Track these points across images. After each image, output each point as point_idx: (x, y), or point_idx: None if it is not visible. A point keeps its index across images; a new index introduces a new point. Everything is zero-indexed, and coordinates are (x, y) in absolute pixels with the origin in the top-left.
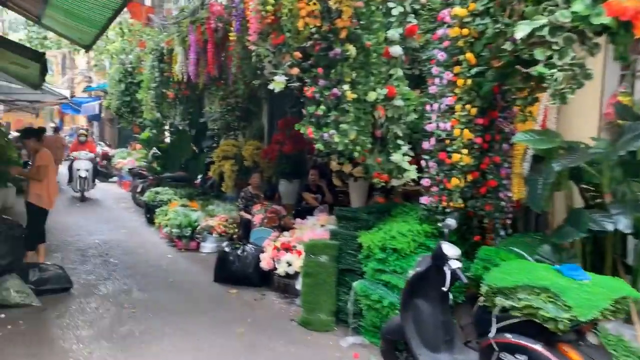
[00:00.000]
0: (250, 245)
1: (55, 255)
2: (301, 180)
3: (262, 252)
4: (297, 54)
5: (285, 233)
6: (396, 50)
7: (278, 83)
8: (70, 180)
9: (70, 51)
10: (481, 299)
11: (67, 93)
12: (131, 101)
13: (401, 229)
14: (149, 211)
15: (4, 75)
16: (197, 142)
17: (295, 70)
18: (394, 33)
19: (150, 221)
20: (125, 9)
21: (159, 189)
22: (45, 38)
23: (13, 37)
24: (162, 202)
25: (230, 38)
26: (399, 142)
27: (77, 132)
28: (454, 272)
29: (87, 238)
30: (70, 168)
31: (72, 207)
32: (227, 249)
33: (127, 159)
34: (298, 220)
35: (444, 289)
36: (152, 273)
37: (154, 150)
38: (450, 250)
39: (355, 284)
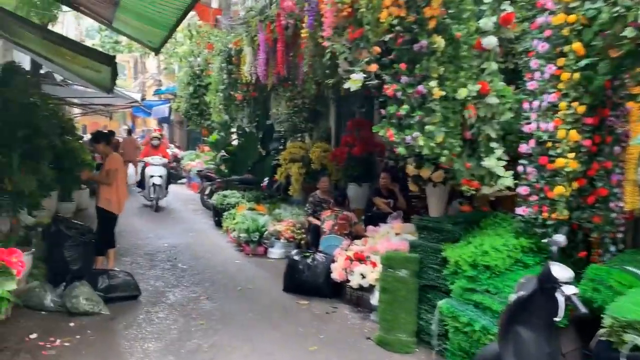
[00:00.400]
0: (321, 254)
1: (124, 259)
2: (371, 184)
3: (333, 261)
4: (376, 49)
5: (357, 241)
6: (490, 41)
7: (355, 81)
8: (142, 186)
9: (141, 55)
10: (603, 331)
11: (137, 96)
12: (199, 104)
13: (494, 243)
14: (217, 214)
15: (79, 80)
16: (264, 144)
17: (374, 67)
18: (486, 22)
19: (218, 224)
20: (193, 12)
21: (226, 192)
22: (117, 42)
23: (88, 43)
24: (230, 206)
25: (302, 35)
26: (492, 145)
27: (148, 134)
28: (568, 299)
29: (156, 242)
30: (142, 174)
31: (142, 208)
32: (296, 258)
33: (196, 161)
34: (369, 227)
35: (557, 318)
36: (220, 280)
37: (222, 152)
38: (561, 272)
39: (440, 303)
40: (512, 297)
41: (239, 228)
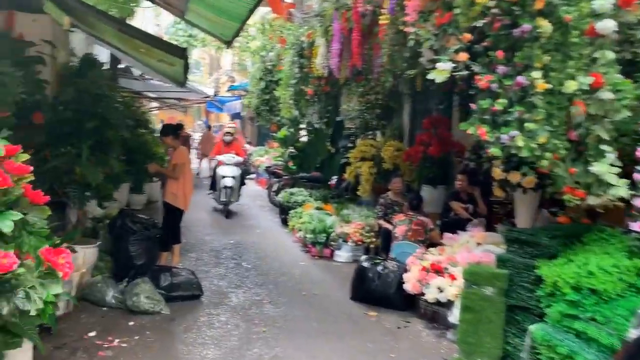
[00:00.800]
0: (392, 262)
1: (190, 255)
2: (446, 186)
3: (406, 270)
4: (467, 36)
5: (432, 249)
6: (606, 25)
7: (441, 72)
8: (213, 188)
9: (216, 51)
10: None
11: (210, 91)
12: (270, 99)
13: (602, 263)
14: (283, 212)
15: (154, 74)
16: (333, 141)
17: (464, 56)
18: (603, 3)
19: (284, 222)
20: (266, 4)
21: (293, 189)
22: (190, 36)
23: (165, 38)
24: (297, 204)
25: (380, 22)
26: (603, 147)
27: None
28: None
29: (222, 238)
30: (213, 174)
31: (209, 202)
32: (366, 265)
33: (265, 156)
34: (447, 234)
35: None
36: (284, 282)
37: (290, 149)
38: None
39: (532, 328)
40: (633, 333)
41: (305, 228)
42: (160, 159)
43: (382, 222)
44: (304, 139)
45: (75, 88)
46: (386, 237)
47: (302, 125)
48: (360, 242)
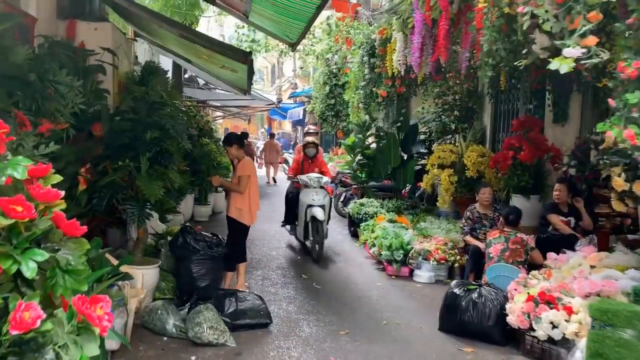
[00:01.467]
0: (489, 288)
1: (255, 273)
2: (540, 196)
3: (507, 299)
4: (594, 15)
5: (535, 273)
6: None
7: (566, 60)
8: (289, 220)
9: (278, 58)
10: None
11: (274, 98)
12: (335, 104)
13: None
14: (353, 224)
15: (218, 82)
16: (405, 147)
17: (593, 40)
18: None
19: (354, 235)
20: (330, 6)
21: (363, 200)
22: (253, 41)
23: None
24: (367, 216)
25: (479, 6)
26: None
27: (282, 136)
28: None
29: (289, 253)
30: (288, 200)
31: (274, 212)
32: (457, 291)
33: (329, 164)
34: (550, 255)
35: None
36: (360, 308)
37: (359, 156)
38: None
39: None
40: None
41: (379, 244)
42: (225, 169)
43: (469, 238)
44: (374, 145)
45: (133, 96)
46: (475, 257)
47: (370, 131)
48: (443, 261)
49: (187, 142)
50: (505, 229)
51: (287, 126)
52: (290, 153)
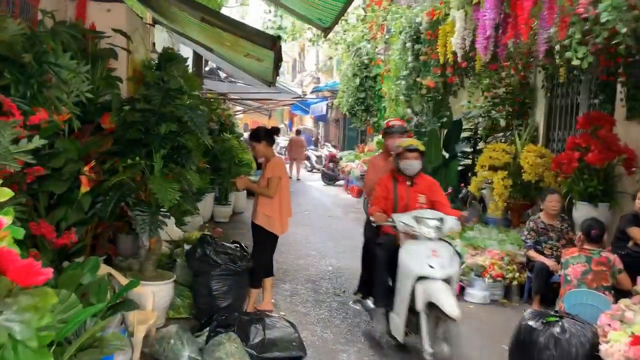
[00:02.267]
0: (573, 321)
1: (283, 287)
2: (610, 205)
3: (596, 335)
4: None
5: (629, 303)
6: None
7: None
8: (368, 290)
9: (299, 54)
10: None
11: (299, 91)
12: (366, 98)
13: None
14: None
15: (242, 75)
16: (447, 145)
17: None
18: None
19: None
20: None
21: None
22: (280, 28)
23: None
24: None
25: None
26: None
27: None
28: None
29: (319, 262)
30: (368, 257)
31: (299, 213)
32: (532, 324)
33: (355, 162)
34: None
35: None
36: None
37: None
38: None
39: None
40: None
41: None
42: (247, 166)
43: (534, 254)
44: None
45: (145, 82)
46: (542, 276)
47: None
48: (499, 278)
49: (208, 137)
50: (585, 247)
51: (308, 122)
52: (312, 149)
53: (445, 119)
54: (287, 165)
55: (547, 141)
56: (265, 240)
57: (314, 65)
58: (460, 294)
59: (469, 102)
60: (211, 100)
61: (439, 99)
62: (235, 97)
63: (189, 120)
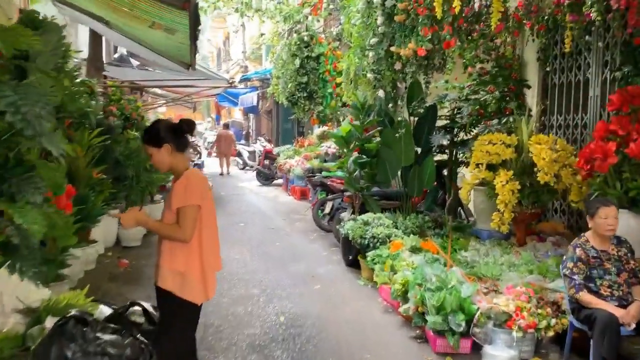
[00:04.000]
0: None
1: None
2: None
3: None
4: None
5: None
6: None
7: None
8: None
9: (224, 42)
10: None
11: (226, 77)
12: (308, 83)
13: None
14: (350, 249)
15: (153, 60)
16: (419, 137)
17: None
18: None
19: (353, 264)
20: None
21: (367, 216)
22: None
23: None
24: (376, 240)
25: None
26: None
27: (245, 127)
28: None
29: (265, 309)
30: None
31: (234, 230)
32: None
33: (296, 158)
34: None
35: None
36: None
37: (355, 154)
38: None
39: None
40: None
41: (418, 299)
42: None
43: (590, 298)
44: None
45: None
46: (610, 333)
47: (367, 117)
48: (531, 329)
49: (58, 145)
50: None
51: (237, 114)
52: (243, 144)
53: (424, 106)
54: (217, 162)
55: (543, 128)
56: (178, 314)
57: (241, 53)
58: (472, 351)
59: (446, 81)
60: (110, 87)
61: (418, 75)
62: (151, 86)
63: (13, 111)
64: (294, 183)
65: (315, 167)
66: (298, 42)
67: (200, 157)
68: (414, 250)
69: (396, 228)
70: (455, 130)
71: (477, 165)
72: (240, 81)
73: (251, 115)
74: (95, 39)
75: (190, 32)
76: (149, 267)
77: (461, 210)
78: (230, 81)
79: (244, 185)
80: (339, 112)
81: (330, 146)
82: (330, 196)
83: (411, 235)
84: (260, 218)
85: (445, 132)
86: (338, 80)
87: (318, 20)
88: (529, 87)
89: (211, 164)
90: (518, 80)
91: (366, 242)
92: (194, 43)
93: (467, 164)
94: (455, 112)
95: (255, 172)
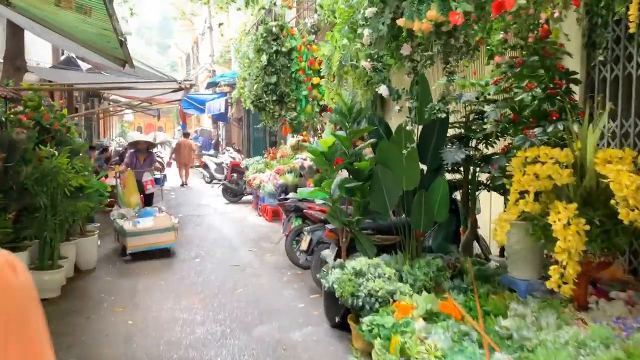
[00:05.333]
0: None
1: None
2: None
3: None
4: None
5: None
6: None
7: None
8: None
9: (193, 48)
10: None
11: (178, 77)
12: (278, 83)
13: None
14: (336, 306)
15: (86, 52)
16: (424, 152)
17: None
18: None
19: (342, 327)
20: None
21: (358, 263)
22: None
23: None
24: (375, 299)
25: None
26: None
27: (203, 134)
28: None
29: None
30: None
31: (187, 267)
32: None
33: (267, 172)
34: None
35: None
36: None
37: (341, 174)
38: None
39: None
40: None
41: None
42: (98, 195)
43: None
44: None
45: None
46: None
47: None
48: None
49: None
50: None
51: (207, 122)
52: (211, 154)
53: (435, 106)
54: (177, 171)
55: (600, 138)
56: None
57: (208, 56)
58: None
59: (464, 78)
60: (17, 96)
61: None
62: (89, 89)
63: None
64: (264, 201)
65: (290, 183)
66: (265, 34)
67: (163, 171)
68: (430, 316)
69: (401, 280)
70: (475, 141)
71: (522, 194)
72: (208, 87)
73: (221, 124)
74: (14, 32)
75: (106, 9)
76: (71, 327)
77: (477, 244)
78: (181, 83)
79: (208, 202)
80: (315, 119)
81: (306, 158)
82: (308, 227)
83: (423, 292)
84: (222, 249)
85: (459, 144)
86: (315, 80)
87: (289, 8)
88: (577, 82)
89: (173, 177)
90: (566, 72)
91: (360, 303)
92: (117, 26)
93: (490, 187)
94: (472, 117)
95: (221, 187)
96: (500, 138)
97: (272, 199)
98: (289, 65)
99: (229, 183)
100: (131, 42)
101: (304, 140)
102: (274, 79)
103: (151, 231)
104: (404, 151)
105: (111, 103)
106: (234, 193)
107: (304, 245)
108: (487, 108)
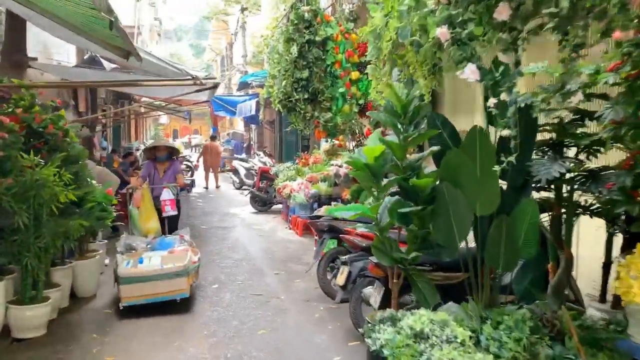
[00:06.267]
0: None
1: None
2: None
3: None
4: None
5: None
6: None
7: None
8: None
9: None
10: None
11: (200, 75)
12: (311, 78)
13: None
14: None
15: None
16: (502, 163)
17: None
18: None
19: None
20: None
21: (418, 319)
22: None
23: None
24: None
25: None
26: None
27: (234, 137)
28: None
29: None
30: None
31: (202, 297)
32: None
33: (298, 181)
34: None
35: None
36: None
37: (391, 196)
38: None
39: None
40: None
41: None
42: (103, 211)
43: None
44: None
45: None
46: None
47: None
48: None
49: None
50: None
51: (240, 125)
52: (242, 158)
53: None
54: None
55: None
56: None
57: (241, 57)
58: None
59: (562, 60)
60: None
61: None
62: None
63: None
64: (295, 212)
65: (323, 193)
66: (296, 21)
67: (192, 174)
68: None
69: (478, 345)
70: (575, 150)
71: None
72: (240, 89)
73: (252, 126)
74: (13, 24)
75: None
76: None
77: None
78: (195, 78)
79: (236, 211)
80: (354, 121)
81: (342, 165)
82: (346, 257)
83: None
84: (244, 272)
85: (555, 154)
86: (353, 75)
87: None
88: None
89: (202, 180)
90: None
91: None
92: (112, 17)
93: (594, 212)
94: (571, 117)
95: (249, 195)
96: (614, 146)
97: (304, 210)
98: (323, 57)
99: (257, 191)
100: (168, 44)
101: (339, 146)
102: (305, 73)
103: (154, 276)
104: (496, 167)
105: (141, 105)
106: (262, 202)
107: (340, 280)
108: (607, 107)
